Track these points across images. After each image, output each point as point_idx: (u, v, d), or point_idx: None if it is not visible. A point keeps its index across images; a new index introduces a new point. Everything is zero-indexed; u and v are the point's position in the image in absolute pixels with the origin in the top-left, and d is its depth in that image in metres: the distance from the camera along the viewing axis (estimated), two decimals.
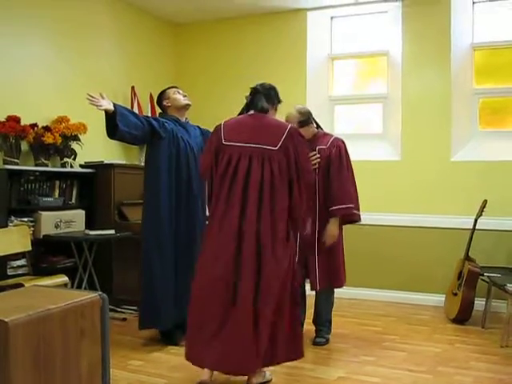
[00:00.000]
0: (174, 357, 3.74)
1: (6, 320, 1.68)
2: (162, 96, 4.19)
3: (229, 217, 3.06)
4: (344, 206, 3.89)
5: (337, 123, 5.92)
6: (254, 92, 3.28)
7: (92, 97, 3.56)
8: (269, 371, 3.35)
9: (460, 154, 5.32)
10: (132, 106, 5.54)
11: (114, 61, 5.58)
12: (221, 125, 3.25)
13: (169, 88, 4.20)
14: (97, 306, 2.02)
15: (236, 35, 6.18)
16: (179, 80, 6.08)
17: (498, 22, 5.31)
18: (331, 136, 4.10)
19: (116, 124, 3.63)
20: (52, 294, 2.10)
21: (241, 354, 2.97)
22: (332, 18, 5.91)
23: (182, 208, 3.96)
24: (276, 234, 3.06)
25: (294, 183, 3.12)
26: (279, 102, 3.37)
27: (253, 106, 3.26)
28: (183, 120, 4.15)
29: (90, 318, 1.99)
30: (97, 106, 3.56)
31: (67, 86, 4.98)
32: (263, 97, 3.25)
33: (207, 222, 3.31)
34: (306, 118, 3.99)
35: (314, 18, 5.87)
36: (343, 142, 4.04)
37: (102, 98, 3.61)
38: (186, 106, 4.16)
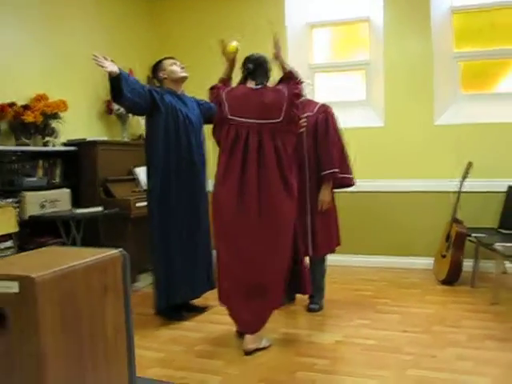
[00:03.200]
0: (170, 331, 3.74)
1: (33, 276, 1.65)
2: (157, 67, 4.05)
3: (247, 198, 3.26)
4: (330, 171, 3.91)
5: (318, 91, 5.88)
6: (257, 64, 3.43)
7: (96, 56, 3.45)
8: (266, 338, 3.37)
9: (443, 117, 5.34)
10: None
11: (93, 37, 5.43)
12: (222, 95, 3.40)
13: (165, 58, 4.06)
14: (118, 262, 1.99)
15: (212, 6, 6.07)
16: (157, 55, 5.96)
17: None
18: (317, 103, 4.10)
19: (121, 88, 3.54)
20: (73, 252, 2.06)
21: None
22: None
23: (184, 181, 3.90)
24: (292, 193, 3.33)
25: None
26: (270, 68, 3.55)
27: (255, 79, 3.43)
28: (179, 92, 4.05)
29: (113, 275, 1.96)
30: (102, 66, 3.45)
31: (44, 64, 4.85)
32: (264, 71, 3.44)
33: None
34: None
35: None
36: (330, 108, 4.05)
37: (106, 59, 3.50)
38: (183, 79, 4.04)
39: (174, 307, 3.94)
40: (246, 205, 3.25)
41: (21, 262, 1.91)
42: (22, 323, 1.66)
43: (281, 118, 3.29)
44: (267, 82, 3.48)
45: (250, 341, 3.27)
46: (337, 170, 3.94)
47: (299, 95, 3.41)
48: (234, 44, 3.48)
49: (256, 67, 3.42)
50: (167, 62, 4.02)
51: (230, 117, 3.32)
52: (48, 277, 1.69)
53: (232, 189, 3.26)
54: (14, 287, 1.66)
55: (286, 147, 3.30)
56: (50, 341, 1.68)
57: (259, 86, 3.39)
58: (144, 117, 4.14)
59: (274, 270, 3.30)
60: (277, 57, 3.47)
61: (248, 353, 3.25)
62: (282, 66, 3.50)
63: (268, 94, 3.35)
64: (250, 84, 3.43)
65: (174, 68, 3.99)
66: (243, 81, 3.49)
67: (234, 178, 3.25)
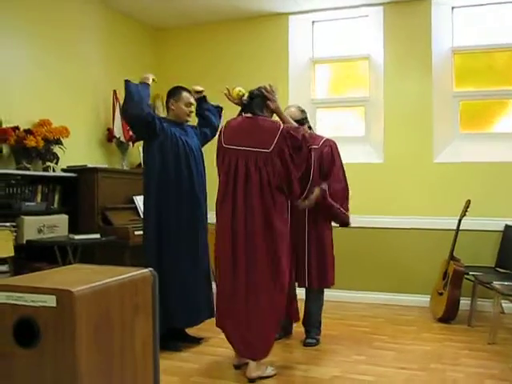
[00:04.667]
0: (166, 361, 3.66)
1: (72, 290, 1.64)
2: (174, 95, 4.04)
3: (234, 220, 3.32)
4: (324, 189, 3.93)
5: (319, 126, 5.93)
6: (250, 98, 3.50)
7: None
8: (271, 367, 3.37)
9: (442, 155, 5.39)
10: (114, 111, 5.48)
11: (96, 64, 5.51)
12: (222, 126, 3.55)
13: (185, 90, 4.07)
14: (148, 282, 1.99)
15: (217, 40, 6.17)
16: (161, 85, 6.03)
17: (476, 27, 5.41)
18: (323, 137, 4.17)
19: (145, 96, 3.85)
20: (104, 269, 2.05)
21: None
22: (313, 22, 5.95)
23: (184, 207, 3.91)
24: (274, 229, 3.31)
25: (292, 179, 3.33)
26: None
27: (250, 111, 3.48)
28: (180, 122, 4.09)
29: (143, 294, 1.96)
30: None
31: (49, 89, 4.90)
32: (260, 101, 3.46)
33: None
34: (304, 117, 4.10)
35: (296, 23, 5.90)
36: (334, 143, 4.14)
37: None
38: (186, 121, 4.11)
39: (171, 337, 3.89)
40: (236, 231, 3.31)
41: (53, 278, 1.90)
42: (58, 338, 1.64)
43: (270, 149, 3.28)
44: (265, 112, 3.48)
45: (252, 368, 3.26)
46: (335, 205, 3.96)
47: (295, 137, 3.33)
48: (237, 89, 3.57)
49: (252, 99, 3.49)
50: (183, 97, 4.03)
51: (224, 145, 3.42)
52: (86, 291, 1.68)
53: (227, 214, 3.34)
54: (51, 301, 1.64)
55: (270, 178, 3.28)
56: (83, 356, 1.66)
57: (251, 115, 3.45)
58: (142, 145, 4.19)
59: (265, 306, 3.29)
60: (273, 109, 3.49)
61: (251, 380, 3.24)
62: (280, 118, 3.52)
63: (261, 124, 3.39)
64: (246, 115, 3.51)
65: (184, 110, 4.03)
66: (240, 113, 3.57)
67: (229, 205, 3.33)
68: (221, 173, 3.44)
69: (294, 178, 3.32)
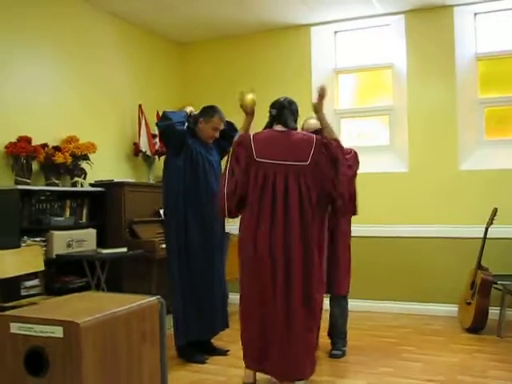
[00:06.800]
0: (192, 373, 3.72)
1: (78, 322, 1.71)
2: (206, 113, 4.09)
3: (272, 234, 3.20)
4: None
5: (343, 136, 5.93)
6: (280, 107, 3.41)
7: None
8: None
9: (467, 163, 5.34)
10: (139, 125, 5.57)
11: (122, 80, 5.62)
12: (250, 139, 3.35)
13: (216, 114, 4.07)
14: (155, 309, 2.04)
15: (241, 52, 6.23)
16: (185, 98, 6.13)
17: (500, 32, 5.36)
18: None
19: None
20: (113, 297, 2.12)
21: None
22: (336, 32, 5.97)
23: (204, 223, 3.99)
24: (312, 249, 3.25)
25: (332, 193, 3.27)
26: (297, 111, 3.52)
27: (281, 122, 3.39)
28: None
29: (150, 322, 2.00)
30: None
31: (75, 106, 5.02)
32: (289, 112, 3.40)
33: (239, 237, 3.42)
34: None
35: (318, 33, 5.93)
36: (355, 152, 4.12)
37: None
38: (207, 143, 4.15)
39: (197, 349, 3.94)
40: (274, 249, 3.21)
41: (63, 307, 1.97)
42: (65, 367, 1.70)
43: (308, 162, 3.25)
44: (295, 122, 3.46)
45: None
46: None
47: (330, 148, 3.31)
48: (250, 97, 3.51)
49: (279, 111, 3.41)
50: (213, 122, 4.06)
51: (257, 159, 3.29)
52: (92, 322, 1.75)
53: (264, 232, 3.21)
54: (58, 332, 1.72)
55: (310, 192, 3.23)
56: None
57: (285, 129, 3.37)
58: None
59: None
60: (316, 111, 3.46)
61: None
62: (321, 123, 3.51)
63: (295, 136, 3.34)
64: (276, 127, 3.42)
65: (210, 133, 4.07)
66: (269, 126, 3.47)
67: (267, 220, 3.21)
68: (252, 188, 3.29)
69: (337, 186, 3.25)
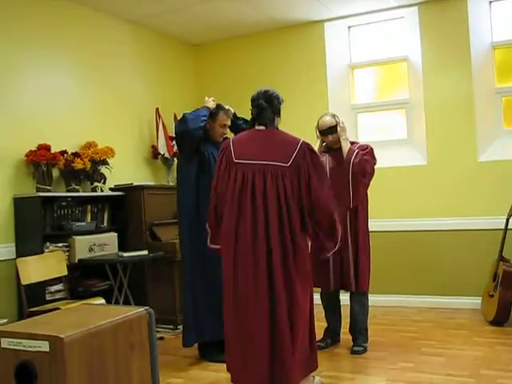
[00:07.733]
0: (213, 373, 3.77)
1: (62, 336, 1.77)
2: (213, 114, 4.08)
3: (252, 236, 3.06)
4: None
5: (360, 131, 5.92)
6: (260, 109, 3.24)
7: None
8: (318, 377, 3.37)
9: (486, 154, 5.28)
10: (157, 128, 5.64)
11: (138, 84, 5.69)
12: (230, 143, 3.25)
13: (222, 110, 4.09)
14: (144, 320, 2.09)
15: (255, 51, 6.25)
16: (202, 99, 6.13)
17: None
18: (357, 143, 4.16)
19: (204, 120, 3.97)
20: (101, 310, 2.18)
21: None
22: (349, 27, 5.94)
23: None
24: (295, 252, 3.07)
25: (306, 214, 3.10)
26: (280, 105, 3.33)
27: (261, 124, 3.24)
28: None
29: (139, 333, 2.05)
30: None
31: (93, 112, 5.10)
32: (270, 112, 3.24)
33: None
34: (338, 121, 4.15)
35: (332, 29, 5.91)
36: (371, 148, 4.11)
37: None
38: (218, 142, 4.10)
39: (217, 348, 3.98)
40: (256, 246, 3.07)
41: (53, 321, 2.05)
42: (51, 380, 1.78)
43: (288, 164, 3.09)
44: (279, 115, 3.30)
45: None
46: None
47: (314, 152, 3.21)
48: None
49: (259, 112, 3.25)
50: (219, 119, 4.07)
51: (236, 161, 3.17)
52: (76, 336, 1.82)
53: (247, 229, 3.08)
54: (44, 346, 1.80)
55: (288, 194, 3.07)
56: None
57: (264, 128, 3.23)
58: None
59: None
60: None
61: None
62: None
63: (278, 136, 3.22)
64: (258, 127, 3.26)
65: (219, 131, 4.08)
66: (252, 125, 3.34)
67: (248, 220, 3.08)
68: (228, 190, 3.15)
69: (319, 197, 3.09)
